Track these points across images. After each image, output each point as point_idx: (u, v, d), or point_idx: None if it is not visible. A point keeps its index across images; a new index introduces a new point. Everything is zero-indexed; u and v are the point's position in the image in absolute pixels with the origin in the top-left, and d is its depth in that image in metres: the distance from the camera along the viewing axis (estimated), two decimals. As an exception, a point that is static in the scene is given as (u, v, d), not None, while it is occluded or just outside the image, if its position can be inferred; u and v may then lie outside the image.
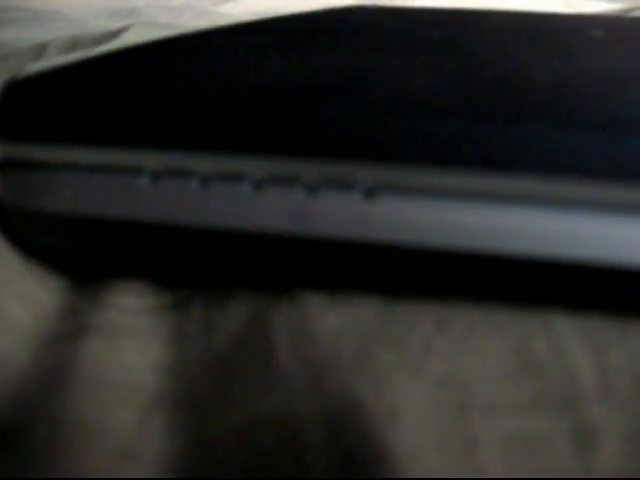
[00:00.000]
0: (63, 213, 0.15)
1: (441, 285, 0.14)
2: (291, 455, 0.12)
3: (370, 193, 0.13)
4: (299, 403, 0.13)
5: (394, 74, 0.16)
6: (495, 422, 0.12)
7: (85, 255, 0.16)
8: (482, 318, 0.14)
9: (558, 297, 0.14)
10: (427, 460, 0.12)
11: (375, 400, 0.12)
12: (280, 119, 0.14)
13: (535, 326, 0.14)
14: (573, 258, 0.13)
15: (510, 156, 0.14)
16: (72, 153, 0.15)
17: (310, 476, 0.12)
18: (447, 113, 0.14)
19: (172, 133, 0.14)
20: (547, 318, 0.14)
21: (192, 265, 0.16)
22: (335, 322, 0.14)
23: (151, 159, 0.14)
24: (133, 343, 0.15)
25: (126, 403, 0.13)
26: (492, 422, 0.12)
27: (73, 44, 0.38)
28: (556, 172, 0.13)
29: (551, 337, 0.13)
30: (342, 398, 0.13)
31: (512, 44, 0.21)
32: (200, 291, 0.16)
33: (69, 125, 0.15)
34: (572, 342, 0.13)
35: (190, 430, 0.13)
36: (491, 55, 0.19)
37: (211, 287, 0.16)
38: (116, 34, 0.40)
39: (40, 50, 0.37)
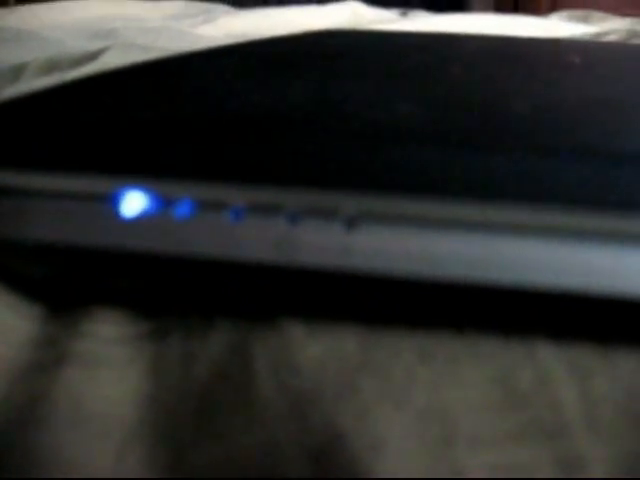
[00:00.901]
0: (39, 241, 0.15)
1: (423, 314, 0.14)
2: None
3: (352, 223, 0.13)
4: (281, 435, 0.13)
5: (376, 103, 0.15)
6: (480, 454, 0.12)
7: (61, 283, 0.16)
8: (465, 347, 0.14)
9: (542, 326, 0.14)
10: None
11: (359, 432, 0.12)
12: (262, 148, 0.13)
13: (519, 355, 0.14)
14: (556, 287, 0.13)
15: (493, 185, 0.14)
16: (48, 180, 0.15)
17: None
18: (429, 143, 0.14)
19: (151, 160, 0.14)
20: (531, 347, 0.14)
21: (171, 294, 0.15)
22: (317, 352, 0.14)
23: (129, 187, 0.14)
24: (111, 373, 0.14)
25: (104, 435, 0.13)
26: (477, 454, 0.12)
27: (52, 65, 0.38)
28: (537, 201, 0.13)
29: (535, 366, 0.13)
30: (325, 430, 0.12)
31: (493, 71, 0.21)
32: (179, 319, 0.15)
33: (45, 152, 0.15)
34: (556, 371, 0.13)
35: (169, 463, 0.13)
36: (473, 83, 0.19)
37: (190, 315, 0.15)
38: (95, 55, 0.39)
39: (18, 71, 0.37)
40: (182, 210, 0.14)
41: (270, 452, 0.12)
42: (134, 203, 0.14)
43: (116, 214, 0.14)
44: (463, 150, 0.14)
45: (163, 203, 0.14)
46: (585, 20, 0.91)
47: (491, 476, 0.12)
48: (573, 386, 0.13)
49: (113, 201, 0.14)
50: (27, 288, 0.16)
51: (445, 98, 0.17)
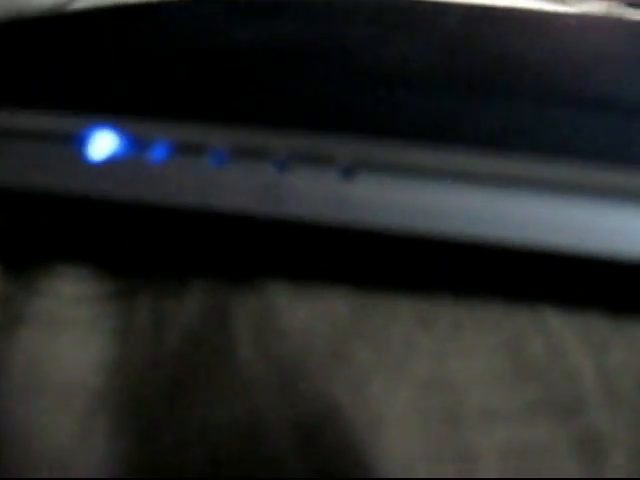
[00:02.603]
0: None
1: (423, 276, 0.13)
2: (258, 464, 0.11)
3: (349, 172, 0.12)
4: (266, 406, 0.11)
5: (376, 47, 0.14)
6: (491, 430, 0.11)
7: (18, 236, 0.15)
8: (467, 314, 0.13)
9: (550, 293, 0.13)
10: (416, 473, 0.10)
11: (354, 404, 0.11)
12: (248, 85, 0.12)
13: (527, 323, 0.12)
14: (565, 247, 0.12)
15: (501, 136, 0.12)
16: (6, 118, 0.13)
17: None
18: (434, 88, 0.13)
19: (123, 98, 0.13)
20: (539, 314, 0.13)
21: (142, 249, 0.14)
22: (305, 315, 0.13)
23: (96, 127, 0.13)
24: (73, 336, 0.13)
25: (65, 405, 0.12)
26: (487, 430, 0.11)
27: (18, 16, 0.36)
28: (546, 154, 0.12)
29: (546, 336, 0.12)
30: (316, 401, 0.11)
31: (489, 29, 0.21)
32: (149, 279, 0.14)
33: (5, 89, 0.13)
34: (569, 341, 0.12)
35: (138, 436, 0.12)
36: (472, 36, 0.18)
37: (162, 274, 0.14)
38: (64, 6, 0.38)
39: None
40: (157, 153, 0.13)
41: (253, 423, 0.11)
42: (103, 145, 0.13)
43: (83, 156, 0.13)
44: (468, 97, 0.13)
45: (136, 145, 0.13)
46: (563, 2, 0.91)
47: (504, 455, 0.10)
48: (588, 357, 0.12)
49: (80, 142, 0.13)
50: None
51: (446, 48, 0.16)
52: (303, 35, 0.15)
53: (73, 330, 0.13)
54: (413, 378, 0.12)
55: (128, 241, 0.14)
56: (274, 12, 0.17)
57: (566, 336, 0.12)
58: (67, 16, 0.17)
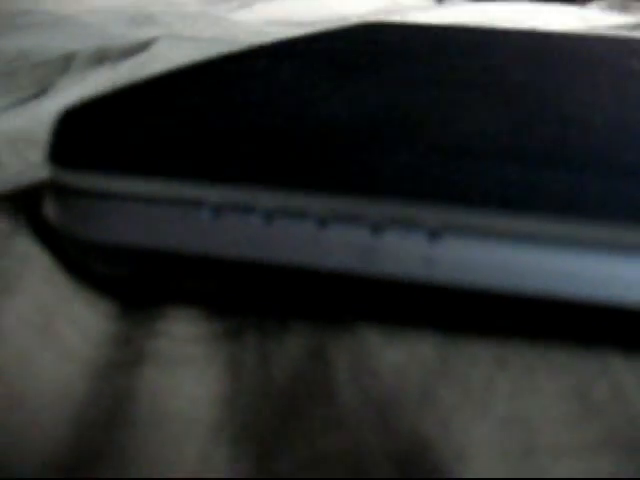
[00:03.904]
0: (118, 243, 0.15)
1: (502, 326, 0.14)
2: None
3: (434, 234, 0.14)
4: (365, 439, 0.13)
5: (453, 112, 0.16)
6: (562, 464, 0.12)
7: (138, 284, 0.16)
8: (540, 357, 0.14)
9: (616, 340, 0.14)
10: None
11: (442, 440, 0.13)
12: (346, 157, 0.14)
13: (594, 368, 0.14)
14: (634, 302, 0.13)
15: (581, 202, 0.13)
16: (129, 183, 0.15)
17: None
18: (513, 156, 0.14)
19: (235, 167, 0.14)
20: (605, 360, 0.14)
21: (247, 298, 0.16)
22: (396, 357, 0.14)
23: (213, 193, 0.14)
24: (189, 372, 0.14)
25: (186, 436, 0.13)
26: (559, 464, 0.12)
27: (101, 55, 0.38)
28: (621, 220, 0.13)
29: (611, 380, 0.14)
30: (410, 436, 0.13)
31: (565, 75, 0.21)
32: (253, 320, 0.16)
33: (127, 155, 0.15)
34: (632, 385, 0.13)
35: (253, 464, 0.13)
36: (547, 96, 0.19)
37: (264, 316, 0.16)
38: (143, 46, 0.40)
39: (67, 61, 0.37)
40: (262, 218, 0.14)
41: (355, 454, 0.13)
42: (215, 208, 0.14)
43: (196, 219, 0.15)
44: (547, 166, 0.14)
45: (245, 209, 0.14)
46: (625, 9, 0.90)
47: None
48: None
49: (193, 205, 0.14)
50: (105, 287, 0.17)
51: (524, 107, 0.17)
52: (389, 105, 0.16)
53: (188, 367, 0.15)
54: (493, 415, 0.13)
55: (234, 292, 0.15)
56: (357, 77, 0.18)
57: (629, 380, 0.14)
58: (167, 78, 0.19)
